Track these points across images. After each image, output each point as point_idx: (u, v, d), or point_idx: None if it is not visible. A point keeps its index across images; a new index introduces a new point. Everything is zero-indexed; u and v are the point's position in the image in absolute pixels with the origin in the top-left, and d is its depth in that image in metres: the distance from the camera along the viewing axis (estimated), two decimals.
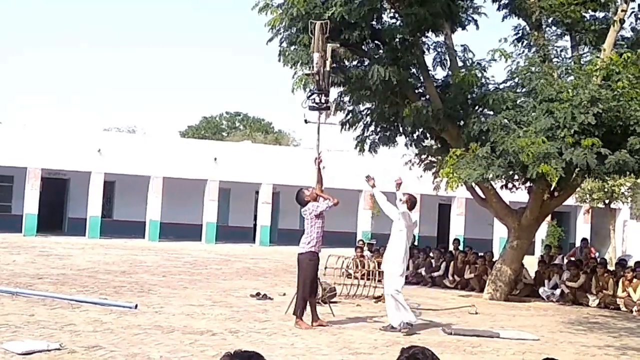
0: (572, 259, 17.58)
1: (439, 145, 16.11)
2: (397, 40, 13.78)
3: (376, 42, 14.16)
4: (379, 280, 10.84)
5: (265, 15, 13.31)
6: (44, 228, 27.39)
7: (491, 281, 15.28)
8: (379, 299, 12.79)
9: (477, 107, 14.22)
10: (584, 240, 20.77)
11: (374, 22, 13.81)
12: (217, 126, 60.97)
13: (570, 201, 26.58)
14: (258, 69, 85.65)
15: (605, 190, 28.66)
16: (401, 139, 16.48)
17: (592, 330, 11.73)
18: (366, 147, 16.19)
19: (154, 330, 9.03)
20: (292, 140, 57.88)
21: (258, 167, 29.83)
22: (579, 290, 15.17)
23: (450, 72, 14.77)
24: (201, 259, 21.04)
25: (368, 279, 14.09)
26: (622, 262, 17.59)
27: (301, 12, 12.59)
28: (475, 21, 14.85)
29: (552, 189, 14.84)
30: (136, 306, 10.65)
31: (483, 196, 15.76)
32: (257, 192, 30.86)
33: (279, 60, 13.58)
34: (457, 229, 31.93)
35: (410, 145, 16.60)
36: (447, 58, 14.71)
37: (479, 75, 14.01)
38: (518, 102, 13.38)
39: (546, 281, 15.96)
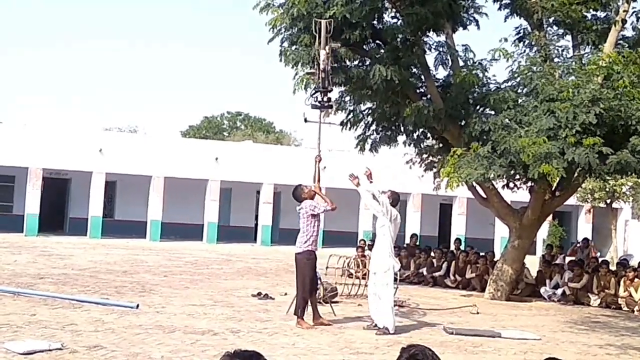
0: (573, 258, 17.57)
1: (440, 145, 16.11)
2: (399, 40, 13.78)
3: (377, 41, 14.16)
4: (394, 279, 10.83)
5: (266, 15, 13.32)
6: (45, 228, 27.41)
7: (492, 281, 15.27)
8: None
9: (478, 107, 14.22)
10: (585, 240, 20.75)
11: (375, 22, 13.80)
12: (218, 126, 61.01)
13: (572, 201, 26.59)
14: (259, 69, 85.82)
15: (607, 189, 28.66)
16: (402, 139, 16.49)
17: (594, 330, 11.72)
18: (367, 146, 16.21)
19: (155, 330, 9.04)
20: (293, 140, 57.93)
21: (259, 167, 29.84)
22: (581, 290, 15.17)
23: (451, 72, 14.78)
24: (202, 258, 21.04)
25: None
26: (623, 262, 17.59)
27: (302, 11, 12.57)
28: (477, 21, 14.86)
29: (553, 188, 14.85)
30: (137, 306, 10.65)
31: (484, 196, 15.76)
32: (258, 192, 30.87)
33: (280, 60, 13.59)
34: (458, 228, 31.92)
35: (410, 144, 16.59)
36: (449, 58, 14.71)
37: (480, 75, 14.01)
38: (519, 101, 13.36)
39: (547, 281, 15.95)
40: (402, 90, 14.28)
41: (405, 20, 13.53)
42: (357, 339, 9.45)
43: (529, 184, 15.02)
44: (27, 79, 79.15)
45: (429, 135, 16.20)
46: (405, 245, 20.11)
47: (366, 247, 18.83)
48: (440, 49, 14.70)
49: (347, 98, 15.66)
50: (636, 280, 14.43)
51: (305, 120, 11.37)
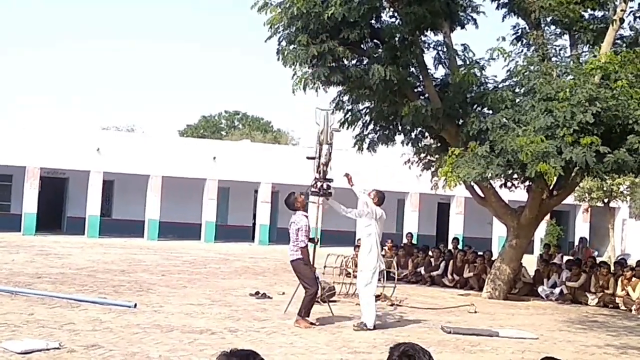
0: (571, 257, 17.60)
1: (438, 144, 16.11)
2: (397, 39, 13.78)
3: (375, 41, 14.16)
4: (379, 279, 10.88)
5: (264, 14, 13.30)
6: (43, 227, 27.39)
7: (490, 280, 15.28)
8: (377, 297, 12.76)
9: (476, 106, 14.22)
10: (582, 239, 20.80)
11: (373, 21, 13.81)
12: (216, 125, 61.00)
13: (569, 200, 26.58)
14: (257, 68, 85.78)
15: (604, 189, 28.67)
16: (400, 138, 16.49)
17: (592, 329, 11.73)
18: (365, 145, 16.20)
19: (153, 329, 9.03)
20: (291, 139, 57.94)
21: (257, 166, 29.83)
22: (578, 289, 15.19)
23: (449, 71, 14.78)
24: (200, 258, 21.04)
25: None
26: (621, 261, 17.61)
27: (301, 10, 12.57)
28: (475, 20, 14.87)
29: (551, 187, 14.86)
30: (135, 305, 10.65)
31: (482, 195, 15.76)
32: (256, 191, 30.87)
33: (278, 59, 13.58)
34: (456, 228, 31.92)
35: (408, 144, 16.58)
36: (447, 57, 14.72)
37: (478, 74, 14.01)
38: (517, 101, 13.36)
39: (545, 280, 15.97)
40: (400, 90, 14.28)
41: (403, 20, 13.54)
42: (355, 338, 9.45)
43: (527, 183, 15.04)
44: (27, 79, 79.14)
45: (426, 134, 16.21)
46: (402, 245, 20.11)
47: None
48: (438, 48, 14.73)
49: (345, 97, 15.65)
50: (634, 279, 14.45)
51: (308, 158, 11.61)
